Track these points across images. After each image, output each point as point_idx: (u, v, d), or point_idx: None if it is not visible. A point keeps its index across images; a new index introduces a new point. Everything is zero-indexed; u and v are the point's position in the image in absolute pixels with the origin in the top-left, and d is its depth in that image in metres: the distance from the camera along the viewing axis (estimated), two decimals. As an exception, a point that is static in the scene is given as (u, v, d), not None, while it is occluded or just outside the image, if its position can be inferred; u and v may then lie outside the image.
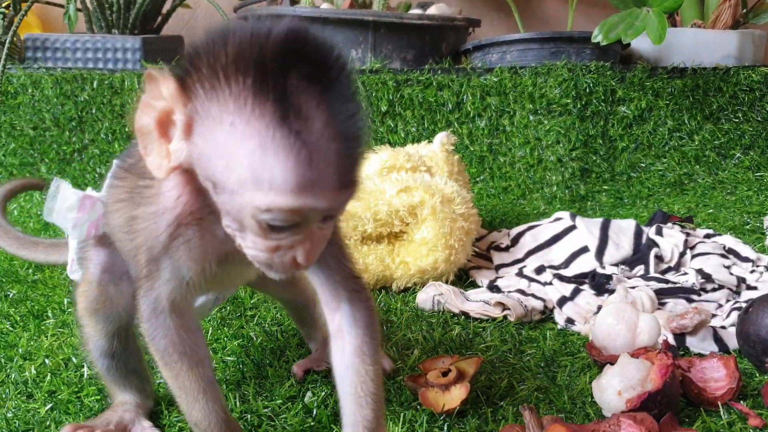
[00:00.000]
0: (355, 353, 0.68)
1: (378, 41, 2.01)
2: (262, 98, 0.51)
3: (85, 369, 0.91)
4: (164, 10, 2.30)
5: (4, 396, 0.86)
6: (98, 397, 0.85)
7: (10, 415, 0.81)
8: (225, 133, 0.52)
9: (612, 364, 0.85)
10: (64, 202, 0.78)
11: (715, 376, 0.89)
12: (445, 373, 0.86)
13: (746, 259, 1.33)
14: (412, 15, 2.04)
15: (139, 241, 0.65)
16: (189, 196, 0.60)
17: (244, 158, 0.52)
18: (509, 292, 1.18)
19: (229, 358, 0.95)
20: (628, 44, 2.10)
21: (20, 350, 0.97)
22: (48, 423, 0.79)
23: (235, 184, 0.53)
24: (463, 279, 1.31)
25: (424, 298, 1.16)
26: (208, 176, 0.55)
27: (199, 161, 0.55)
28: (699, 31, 2.13)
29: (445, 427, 0.79)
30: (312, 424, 0.80)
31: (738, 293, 1.20)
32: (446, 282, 1.26)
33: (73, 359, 0.95)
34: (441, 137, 1.49)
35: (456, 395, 0.83)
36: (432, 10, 2.14)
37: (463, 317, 1.11)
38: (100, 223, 0.77)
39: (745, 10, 2.17)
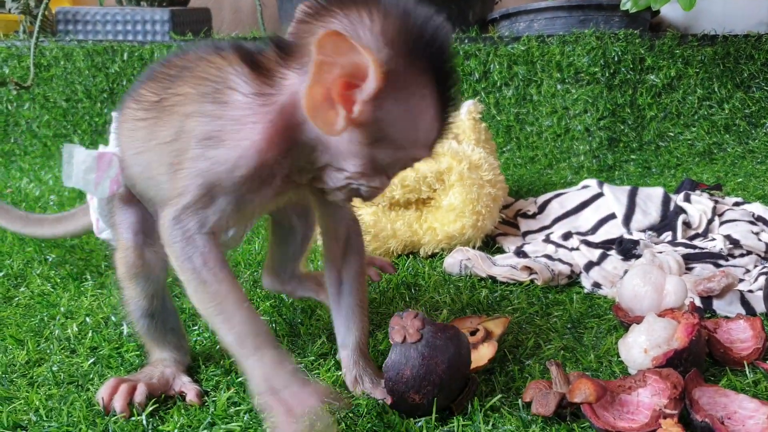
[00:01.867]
0: (358, 273, 0.83)
1: (405, 11, 2.01)
2: (440, 80, 0.65)
3: (124, 327, 0.95)
4: (192, -17, 2.32)
5: (48, 351, 0.89)
6: (137, 353, 0.88)
7: (55, 368, 0.84)
8: (414, 104, 0.64)
9: (638, 324, 0.87)
10: (81, 165, 0.79)
11: (741, 336, 0.90)
12: (473, 333, 0.88)
13: (775, 226, 1.33)
14: (439, -16, 2.03)
15: (197, 168, 0.66)
16: (280, 143, 0.66)
17: (422, 125, 0.66)
18: (536, 257, 1.19)
19: (262, 318, 0.97)
20: (658, 11, 2.07)
21: (62, 309, 1.01)
22: (91, 376, 0.83)
23: (407, 142, 0.66)
24: (489, 245, 1.32)
25: (452, 262, 1.18)
26: (381, 135, 0.65)
27: (377, 121, 0.63)
28: (731, -3, 2.10)
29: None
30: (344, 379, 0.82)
31: (766, 259, 1.20)
32: (473, 248, 1.27)
33: (113, 318, 0.98)
34: (468, 105, 1.50)
35: (484, 354, 0.84)
36: (459, -21, 2.14)
37: (490, 281, 1.13)
38: (119, 177, 0.79)
39: (778, -24, 2.13)
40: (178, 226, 0.67)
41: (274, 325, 0.96)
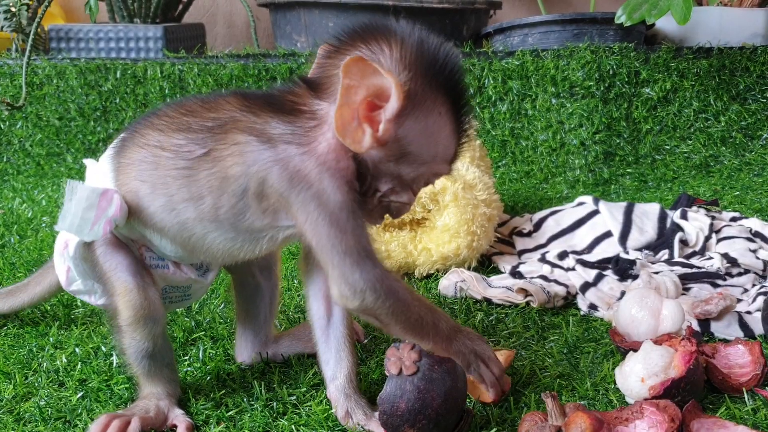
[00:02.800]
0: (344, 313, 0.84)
1: (398, 26, 2.00)
2: (455, 101, 0.72)
3: (114, 357, 0.93)
4: (185, -1, 2.32)
5: (36, 384, 0.88)
6: (127, 386, 0.87)
7: (42, 403, 0.83)
8: (433, 121, 0.71)
9: (635, 350, 0.85)
10: (82, 203, 0.75)
11: (740, 362, 0.88)
12: None
13: (773, 242, 1.32)
14: (433, -1, 2.03)
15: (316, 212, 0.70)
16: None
17: (442, 140, 0.73)
18: (532, 278, 1.18)
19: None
20: (653, 24, 2.07)
21: (51, 339, 1.00)
22: (80, 411, 0.81)
23: (428, 157, 0.72)
24: (485, 265, 1.31)
25: (447, 284, 1.16)
26: (406, 151, 0.71)
27: (402, 138, 0.70)
28: (725, 9, 2.09)
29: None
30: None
31: (764, 277, 1.19)
32: (468, 268, 1.26)
33: (102, 348, 0.97)
34: (462, 123, 1.49)
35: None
36: (453, -7, 2.13)
37: (485, 303, 1.11)
38: (115, 217, 0.77)
39: (772, -13, 2.13)
40: (357, 274, 0.70)
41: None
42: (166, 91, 1.99)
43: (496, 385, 0.80)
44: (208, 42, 2.56)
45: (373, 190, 0.74)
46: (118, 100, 2.01)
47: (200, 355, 0.94)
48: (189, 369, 0.92)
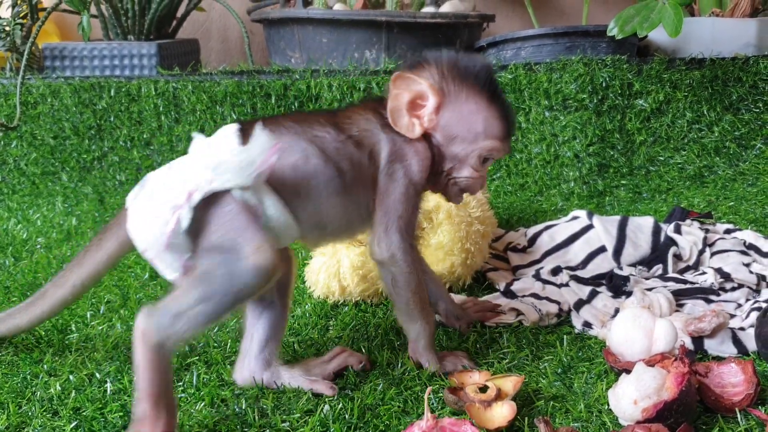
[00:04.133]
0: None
1: (392, 41, 2.01)
2: (487, 94, 0.96)
3: (108, 384, 0.93)
4: (179, 14, 2.32)
5: (30, 414, 0.88)
6: (121, 413, 0.87)
7: (36, 433, 0.83)
8: (469, 109, 0.95)
9: (629, 371, 0.86)
10: (257, 146, 0.82)
11: (733, 381, 0.88)
12: (482, 389, 0.87)
13: (767, 255, 1.32)
14: (425, 14, 2.04)
15: (401, 184, 0.94)
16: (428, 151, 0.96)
17: (480, 122, 0.95)
18: (523, 296, 1.18)
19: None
20: (645, 36, 2.07)
21: (45, 366, 0.99)
22: (73, 441, 0.81)
23: (473, 136, 0.96)
24: (480, 281, 1.31)
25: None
26: (452, 134, 0.95)
27: (445, 126, 0.95)
28: (717, 20, 2.10)
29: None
30: (330, 438, 0.81)
31: (758, 291, 1.19)
32: (463, 286, 1.26)
33: (97, 374, 0.97)
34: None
35: (499, 414, 0.83)
36: (446, 7, 2.14)
37: (479, 324, 1.11)
38: (270, 169, 0.84)
39: (764, -3, 2.14)
40: (395, 232, 0.93)
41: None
42: (161, 108, 1.99)
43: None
44: (203, 57, 2.56)
45: (441, 170, 0.97)
46: (112, 118, 2.01)
47: (194, 381, 0.94)
48: (183, 395, 0.92)
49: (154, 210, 0.82)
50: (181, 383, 0.95)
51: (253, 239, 0.80)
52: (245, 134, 0.83)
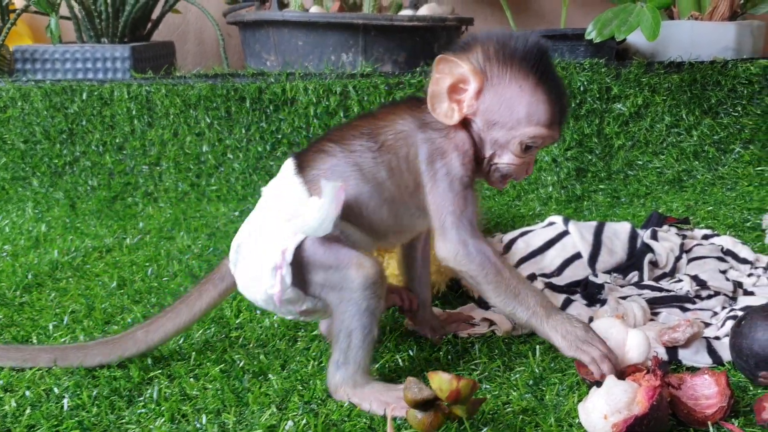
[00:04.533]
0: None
1: (369, 44, 1.99)
2: (536, 77, 0.89)
3: (66, 400, 0.90)
4: (154, 16, 2.28)
5: (-19, 432, 0.85)
6: (78, 430, 0.84)
7: (-14, 453, 0.80)
8: (512, 92, 0.89)
9: (600, 383, 0.84)
10: (330, 200, 0.88)
11: (706, 393, 0.87)
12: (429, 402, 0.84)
13: (744, 261, 1.31)
14: (403, 17, 2.01)
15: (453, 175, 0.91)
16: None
17: (523, 108, 0.90)
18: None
19: (209, 385, 0.93)
20: (624, 39, 2.06)
21: (1, 382, 0.96)
22: (24, 461, 0.78)
23: (514, 122, 0.90)
24: (454, 289, 1.29)
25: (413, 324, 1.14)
26: (492, 120, 0.91)
27: (485, 111, 0.91)
28: (696, 23, 2.09)
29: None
30: (292, 455, 0.78)
31: (734, 299, 1.18)
32: (437, 293, 1.24)
33: (55, 390, 0.93)
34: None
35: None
36: (424, 10, 2.11)
37: (451, 335, 1.09)
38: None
39: (743, 1, 2.13)
40: (459, 225, 0.90)
41: (221, 393, 0.91)
42: (134, 112, 1.96)
43: (606, 361, 0.85)
44: (179, 60, 2.53)
45: (482, 157, 0.93)
46: (84, 123, 1.97)
47: (155, 396, 0.91)
48: (143, 410, 0.89)
49: (257, 275, 0.92)
50: (141, 398, 0.92)
51: (348, 261, 0.89)
52: (301, 165, 0.95)
